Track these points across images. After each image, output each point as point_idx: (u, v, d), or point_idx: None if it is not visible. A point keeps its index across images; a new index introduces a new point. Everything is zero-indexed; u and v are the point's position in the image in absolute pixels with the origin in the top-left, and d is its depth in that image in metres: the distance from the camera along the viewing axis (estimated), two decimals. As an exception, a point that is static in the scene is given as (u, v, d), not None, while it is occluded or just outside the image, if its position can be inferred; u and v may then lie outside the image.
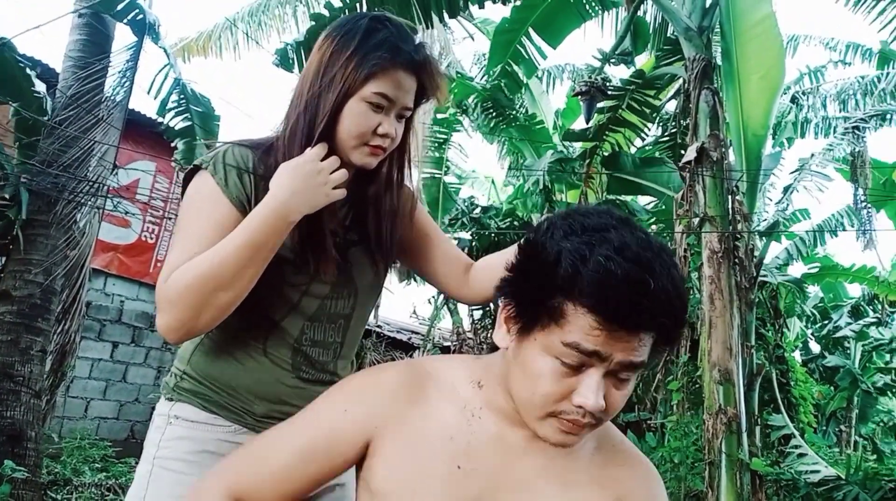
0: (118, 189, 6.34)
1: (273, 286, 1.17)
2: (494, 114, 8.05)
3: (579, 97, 5.93)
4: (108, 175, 5.63)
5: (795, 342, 9.68)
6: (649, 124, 6.97)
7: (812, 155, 7.25)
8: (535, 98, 9.17)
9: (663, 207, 7.19)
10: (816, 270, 9.70)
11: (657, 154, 7.15)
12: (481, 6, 4.99)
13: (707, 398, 4.26)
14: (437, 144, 8.99)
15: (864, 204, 7.42)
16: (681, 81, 5.53)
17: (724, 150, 4.67)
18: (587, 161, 6.89)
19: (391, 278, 11.00)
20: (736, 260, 4.47)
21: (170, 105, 6.44)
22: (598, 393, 0.82)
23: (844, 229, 8.18)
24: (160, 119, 6.67)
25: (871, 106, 8.05)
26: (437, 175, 8.96)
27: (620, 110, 6.50)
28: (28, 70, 5.32)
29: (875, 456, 9.00)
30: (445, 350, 10.10)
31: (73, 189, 5.20)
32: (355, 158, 1.18)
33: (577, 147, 7.70)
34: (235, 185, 1.14)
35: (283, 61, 5.32)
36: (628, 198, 7.85)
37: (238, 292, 1.08)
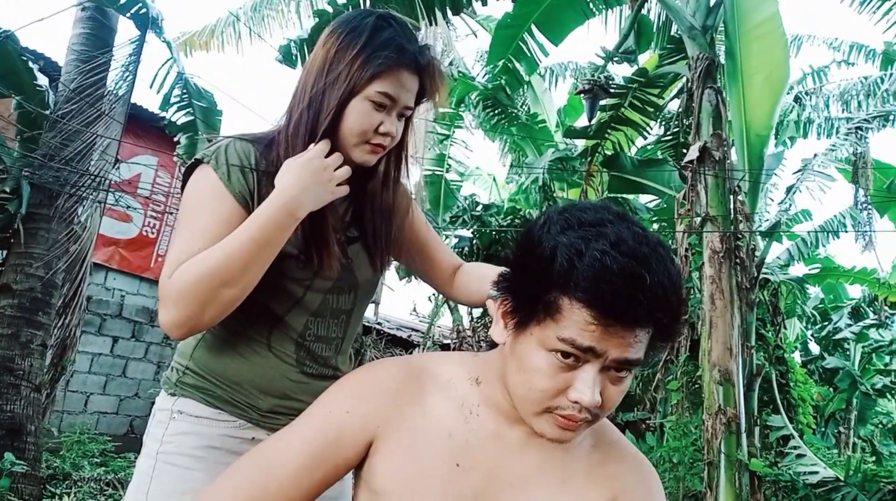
0: (120, 183, 6.33)
1: (277, 282, 1.17)
2: (496, 112, 8.04)
3: (582, 95, 5.93)
4: (110, 169, 5.63)
5: (795, 342, 9.67)
6: (651, 123, 6.96)
7: (815, 155, 7.25)
8: (537, 96, 9.16)
9: (665, 205, 7.19)
10: (817, 271, 9.70)
11: (659, 153, 7.14)
12: (484, 3, 4.98)
13: (707, 398, 4.26)
14: (438, 141, 8.98)
15: (864, 205, 7.41)
16: (684, 79, 5.52)
17: (726, 149, 4.67)
18: (588, 159, 6.88)
19: (391, 276, 11.01)
20: (737, 260, 4.47)
21: (172, 100, 6.44)
22: (594, 389, 0.81)
23: (846, 231, 8.17)
24: (162, 114, 6.67)
25: (874, 107, 8.04)
26: (438, 172, 8.96)
27: (623, 109, 6.49)
28: (30, 63, 5.33)
29: (874, 458, 9.01)
30: (445, 348, 10.10)
31: (74, 183, 5.20)
32: (355, 156, 1.18)
33: (579, 145, 7.69)
34: (238, 179, 1.14)
35: (287, 58, 5.31)
36: (630, 196, 7.85)
37: (243, 289, 1.08)
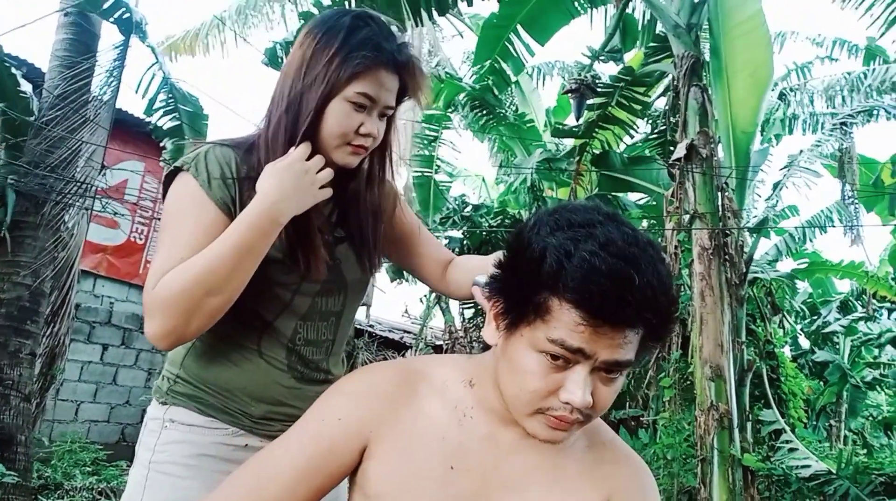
0: (106, 190, 6.29)
1: (264, 287, 1.16)
2: (484, 112, 8.05)
3: (569, 94, 5.94)
4: (96, 176, 5.59)
5: (785, 337, 9.74)
6: (639, 121, 6.99)
7: (800, 151, 7.30)
8: (525, 96, 9.18)
9: (653, 203, 7.22)
10: (805, 265, 9.77)
11: (647, 151, 7.17)
12: (470, 3, 4.97)
13: (699, 395, 4.28)
14: (427, 142, 8.98)
15: (851, 200, 7.47)
16: (670, 78, 5.54)
17: (713, 146, 4.70)
18: (577, 158, 6.90)
19: (383, 278, 11.00)
20: (726, 257, 4.49)
21: (158, 104, 6.41)
22: (586, 390, 0.81)
23: (833, 225, 8.23)
24: (148, 119, 6.63)
25: (858, 102, 8.10)
26: (427, 174, 8.96)
27: (610, 107, 6.51)
28: (14, 70, 5.28)
29: (865, 450, 9.08)
30: (437, 349, 10.10)
31: (60, 190, 5.16)
32: (337, 158, 1.17)
33: (568, 144, 7.71)
34: (219, 186, 1.13)
35: (273, 60, 5.30)
36: (620, 194, 7.87)
37: (229, 297, 1.07)
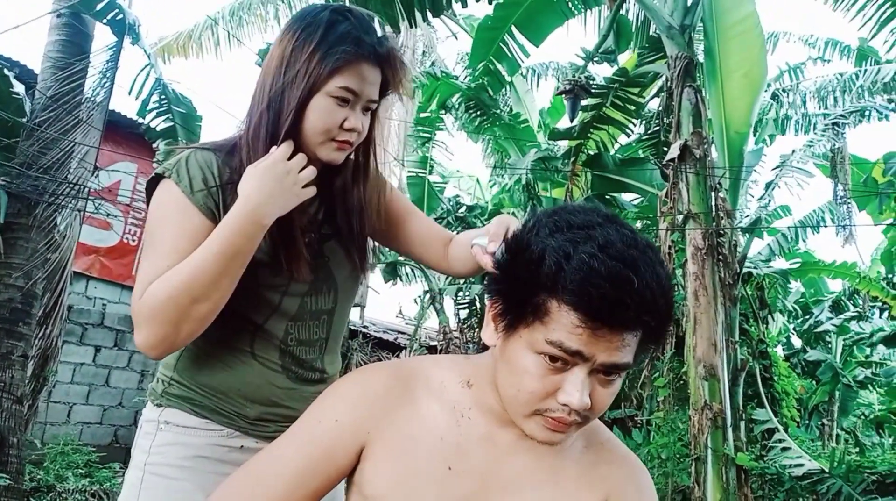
0: (99, 191, 6.26)
1: (252, 290, 1.15)
2: (479, 113, 8.06)
3: (563, 95, 5.96)
4: (89, 177, 5.56)
5: (778, 337, 9.77)
6: (633, 122, 7.01)
7: (793, 151, 7.33)
8: (519, 96, 9.19)
9: (647, 204, 7.24)
10: (798, 265, 9.81)
11: (641, 152, 7.20)
12: (464, 5, 4.98)
13: (692, 394, 4.30)
14: (420, 143, 8.99)
15: (843, 200, 7.51)
16: (663, 78, 5.57)
17: (706, 147, 4.72)
18: (572, 159, 6.92)
19: (377, 279, 10.99)
20: (720, 256, 4.52)
21: (151, 106, 6.38)
22: (584, 391, 0.81)
23: (825, 225, 8.27)
24: (141, 120, 6.60)
25: (850, 103, 8.15)
26: (421, 174, 8.96)
27: (604, 108, 6.54)
28: (6, 71, 5.26)
29: (857, 449, 9.12)
30: (432, 350, 10.10)
31: (53, 192, 5.13)
32: (322, 154, 1.16)
33: (562, 145, 7.73)
34: (201, 191, 1.11)
35: (266, 61, 5.28)
36: (616, 194, 7.90)
37: (216, 302, 1.06)
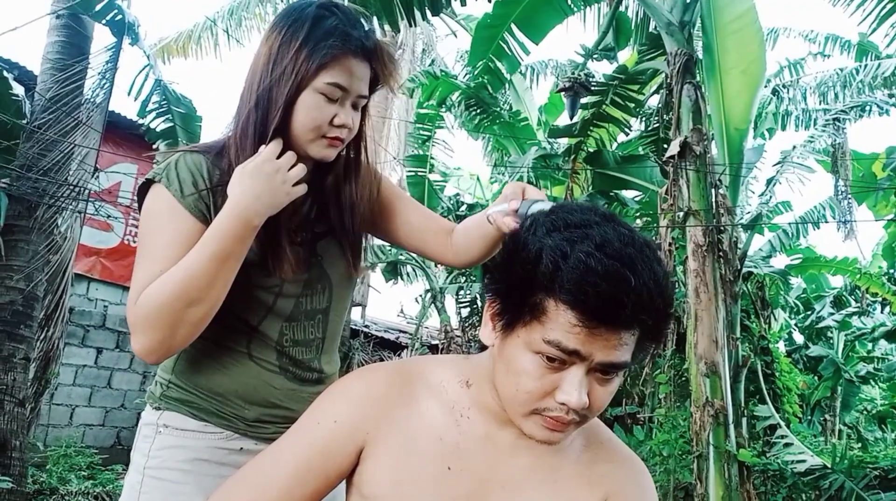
0: (99, 193, 6.26)
1: (246, 292, 1.15)
2: (478, 111, 8.05)
3: (563, 93, 5.95)
4: (89, 178, 5.56)
5: (779, 332, 9.77)
6: (633, 119, 7.00)
7: (794, 147, 7.33)
8: (519, 94, 9.18)
9: (647, 201, 7.24)
10: (799, 261, 9.81)
11: (640, 149, 7.19)
12: (463, 3, 4.97)
13: (694, 391, 4.30)
14: (420, 141, 8.98)
15: (844, 195, 7.51)
16: (663, 75, 5.56)
17: (706, 144, 4.71)
18: (572, 157, 6.92)
19: (378, 278, 11.00)
20: (720, 253, 4.51)
21: (150, 106, 6.39)
22: (582, 391, 0.81)
23: (826, 221, 8.26)
24: (141, 121, 6.61)
25: (851, 98, 8.14)
26: (421, 173, 8.95)
27: (604, 106, 6.53)
28: (5, 73, 5.26)
29: (859, 444, 9.13)
30: (434, 349, 10.10)
31: (53, 193, 5.13)
32: (313, 152, 1.15)
33: (562, 142, 7.72)
34: (192, 195, 1.11)
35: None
36: (618, 191, 7.89)
37: (211, 305, 1.06)
